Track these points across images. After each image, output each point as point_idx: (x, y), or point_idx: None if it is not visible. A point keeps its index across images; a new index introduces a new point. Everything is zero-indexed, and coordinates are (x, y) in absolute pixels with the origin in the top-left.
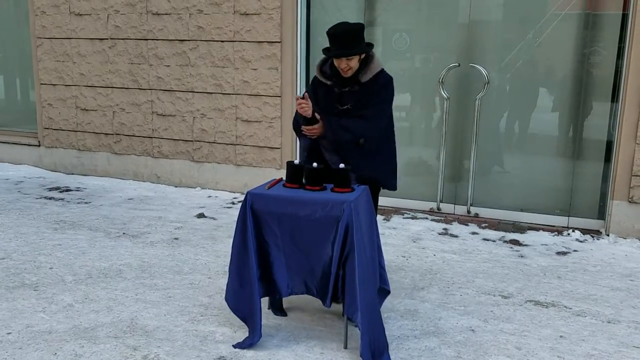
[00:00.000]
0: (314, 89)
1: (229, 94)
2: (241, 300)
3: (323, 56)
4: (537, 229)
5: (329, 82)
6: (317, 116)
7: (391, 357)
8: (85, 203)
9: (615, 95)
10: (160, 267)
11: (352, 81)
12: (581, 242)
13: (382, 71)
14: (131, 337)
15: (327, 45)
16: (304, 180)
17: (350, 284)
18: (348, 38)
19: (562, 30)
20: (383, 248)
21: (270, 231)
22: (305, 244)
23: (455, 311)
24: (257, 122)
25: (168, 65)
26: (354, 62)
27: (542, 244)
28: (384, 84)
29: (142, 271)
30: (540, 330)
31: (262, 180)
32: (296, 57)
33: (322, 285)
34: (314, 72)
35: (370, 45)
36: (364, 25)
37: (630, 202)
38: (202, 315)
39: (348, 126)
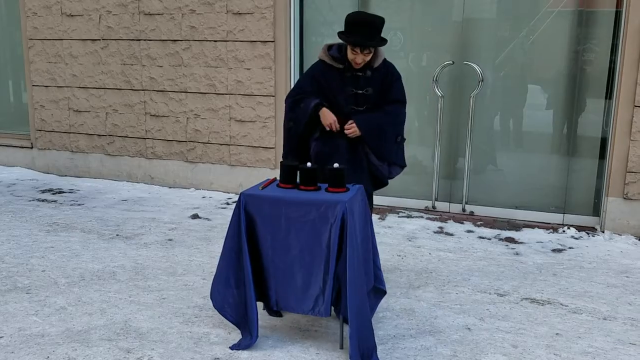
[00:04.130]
0: (317, 72)
1: (223, 94)
2: (234, 301)
3: (325, 44)
4: (532, 227)
5: (341, 66)
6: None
7: (387, 356)
8: (79, 205)
9: (609, 92)
10: (154, 269)
11: (365, 67)
12: (576, 239)
13: (385, 59)
14: (125, 339)
15: (329, 40)
16: (298, 180)
17: (343, 284)
18: (373, 28)
19: (556, 28)
20: (378, 247)
21: (262, 236)
22: (297, 248)
23: (451, 310)
24: (251, 122)
25: (161, 66)
26: (369, 57)
27: (538, 242)
28: (398, 74)
29: (135, 273)
30: (537, 328)
31: (256, 180)
32: (290, 57)
33: (317, 295)
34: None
35: (386, 40)
36: (384, 19)
37: (625, 198)
38: (196, 317)
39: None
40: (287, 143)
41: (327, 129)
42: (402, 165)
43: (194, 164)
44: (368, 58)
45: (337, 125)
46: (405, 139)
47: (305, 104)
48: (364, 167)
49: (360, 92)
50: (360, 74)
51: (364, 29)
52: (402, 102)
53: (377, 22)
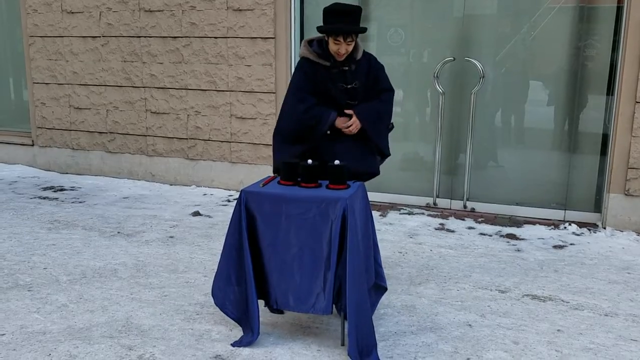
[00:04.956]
0: (307, 72)
1: (223, 90)
2: (235, 298)
3: (304, 40)
4: (533, 223)
5: (328, 63)
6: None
7: (388, 353)
8: (80, 202)
9: (610, 88)
10: (155, 266)
11: (349, 60)
12: (578, 235)
13: (364, 50)
14: (126, 336)
15: (317, 32)
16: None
17: (343, 282)
18: (353, 16)
19: (557, 24)
20: (379, 244)
21: (263, 233)
22: (298, 245)
23: (452, 306)
24: (251, 119)
25: (161, 63)
26: (351, 47)
27: (539, 238)
28: (380, 63)
29: (137, 270)
30: (538, 325)
31: (257, 178)
32: (290, 53)
33: (318, 293)
34: None
35: (366, 28)
36: (362, 8)
37: (626, 194)
38: (197, 314)
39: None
40: (291, 151)
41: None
42: (389, 154)
43: (195, 161)
44: (350, 48)
45: (348, 125)
46: (393, 127)
47: (322, 119)
48: (373, 150)
49: (350, 86)
50: (346, 68)
51: (343, 17)
52: (392, 90)
53: (356, 10)
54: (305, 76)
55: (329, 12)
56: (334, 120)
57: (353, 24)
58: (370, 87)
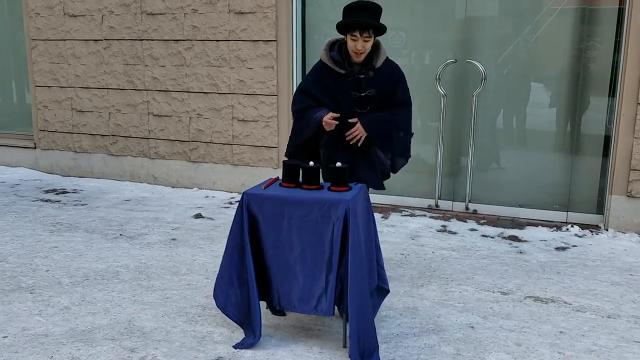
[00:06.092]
0: (320, 75)
1: (225, 93)
2: (237, 301)
3: (328, 41)
4: (535, 225)
5: (342, 71)
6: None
7: (390, 355)
8: (82, 205)
9: (612, 90)
10: (157, 268)
11: (366, 67)
12: (580, 237)
13: (388, 58)
14: (128, 339)
15: (328, 34)
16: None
17: (345, 283)
18: (370, 12)
19: (559, 25)
20: (381, 246)
21: (265, 235)
22: (300, 247)
23: (454, 308)
24: (253, 121)
25: (163, 66)
26: (369, 45)
27: (541, 240)
28: (401, 75)
29: (139, 272)
30: (540, 326)
31: (259, 180)
32: (292, 56)
33: (320, 294)
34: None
35: (385, 26)
36: (381, 7)
37: (628, 196)
38: (199, 316)
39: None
40: (291, 146)
41: (328, 128)
42: (407, 157)
43: (197, 163)
44: (368, 46)
45: (333, 120)
46: (413, 134)
47: (311, 120)
48: (375, 162)
49: (363, 94)
50: (362, 76)
51: (360, 12)
52: (408, 103)
53: (375, 7)
54: (314, 79)
55: (347, 8)
56: (318, 120)
57: (375, 17)
58: (386, 97)
